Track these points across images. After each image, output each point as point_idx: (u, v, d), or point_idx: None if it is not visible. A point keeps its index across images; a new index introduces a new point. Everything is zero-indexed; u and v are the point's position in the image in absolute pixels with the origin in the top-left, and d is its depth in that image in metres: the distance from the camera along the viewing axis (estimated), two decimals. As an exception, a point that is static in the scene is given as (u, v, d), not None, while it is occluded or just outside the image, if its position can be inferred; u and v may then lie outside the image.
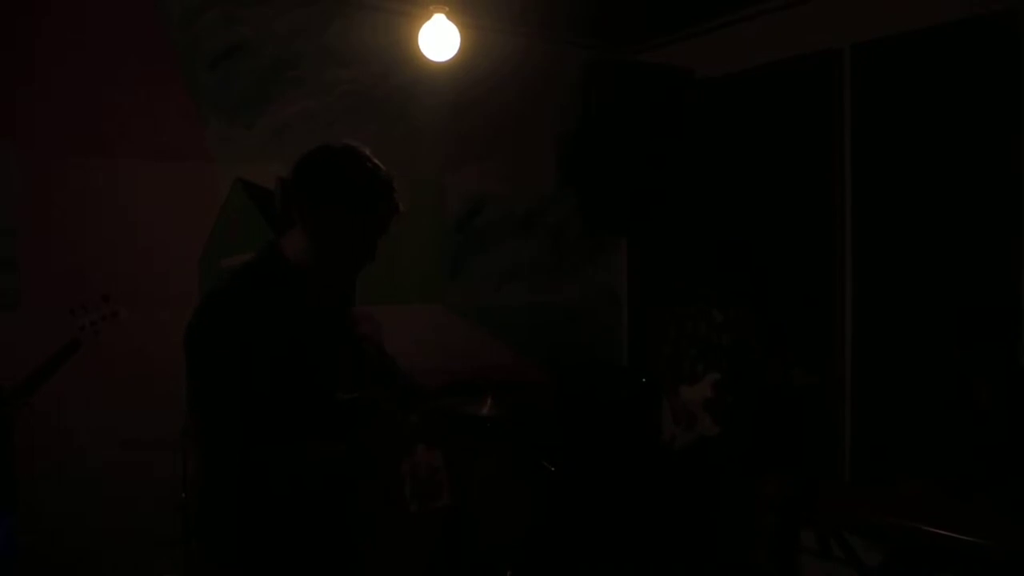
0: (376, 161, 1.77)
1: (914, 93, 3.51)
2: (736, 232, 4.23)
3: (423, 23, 3.87)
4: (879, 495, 3.10)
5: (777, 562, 3.15)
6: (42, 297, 3.22)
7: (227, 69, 3.70)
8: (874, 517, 2.79)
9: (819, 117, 3.87)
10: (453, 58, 3.97)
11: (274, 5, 3.81)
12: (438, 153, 4.36)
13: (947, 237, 3.41)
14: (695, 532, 3.58)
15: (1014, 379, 3.04)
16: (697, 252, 4.11)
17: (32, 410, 2.76)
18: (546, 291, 4.79)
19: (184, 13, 3.59)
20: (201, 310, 1.67)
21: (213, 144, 3.67)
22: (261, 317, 1.64)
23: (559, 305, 4.83)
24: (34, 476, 2.95)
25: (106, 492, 3.27)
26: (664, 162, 4.22)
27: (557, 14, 4.28)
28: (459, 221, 4.48)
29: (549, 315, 4.77)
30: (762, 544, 3.27)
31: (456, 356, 4.28)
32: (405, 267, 4.18)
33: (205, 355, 1.62)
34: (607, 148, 4.16)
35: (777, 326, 3.76)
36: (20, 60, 3.22)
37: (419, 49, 3.92)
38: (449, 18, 3.85)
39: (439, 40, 3.87)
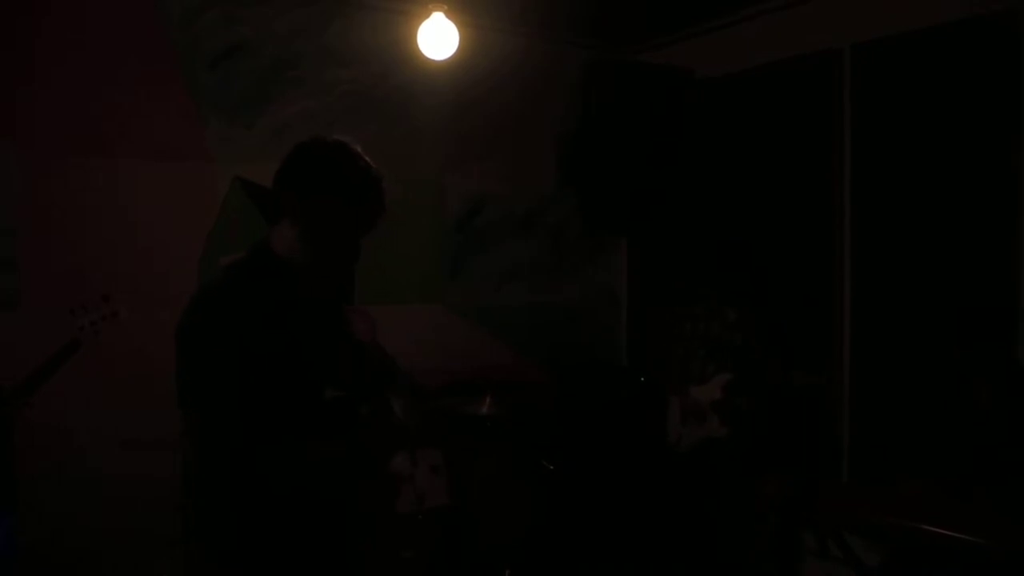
0: (367, 159, 1.77)
1: (914, 93, 3.51)
2: (736, 232, 4.23)
3: (422, 22, 3.87)
4: (879, 495, 3.10)
5: (777, 562, 3.15)
6: (42, 297, 3.22)
7: (227, 69, 3.70)
8: (874, 517, 2.79)
9: (819, 117, 3.87)
10: (453, 57, 3.97)
11: (274, 5, 3.81)
12: (438, 153, 4.36)
13: (947, 237, 3.41)
14: (695, 532, 3.58)
15: (1014, 379, 3.04)
16: (697, 252, 4.11)
17: (32, 410, 2.77)
18: (546, 291, 4.79)
19: (184, 13, 3.59)
20: (191, 305, 1.67)
21: (213, 144, 3.67)
22: (250, 311, 1.64)
23: (559, 305, 4.83)
24: (34, 476, 2.95)
25: (106, 492, 3.26)
26: (664, 162, 4.22)
27: (557, 14, 4.28)
28: (459, 221, 4.48)
29: (549, 315, 4.77)
30: (762, 544, 3.26)
31: (456, 356, 4.28)
32: (405, 267, 4.18)
33: (195, 349, 1.63)
34: (607, 148, 4.16)
35: (779, 326, 3.76)
36: (20, 60, 3.22)
37: (418, 48, 3.92)
38: (448, 17, 3.86)
39: (438, 39, 3.88)
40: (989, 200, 3.28)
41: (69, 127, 3.32)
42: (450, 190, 4.43)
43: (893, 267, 3.62)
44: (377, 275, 3.79)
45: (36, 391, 2.76)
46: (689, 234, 4.45)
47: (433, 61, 3.99)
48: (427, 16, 3.85)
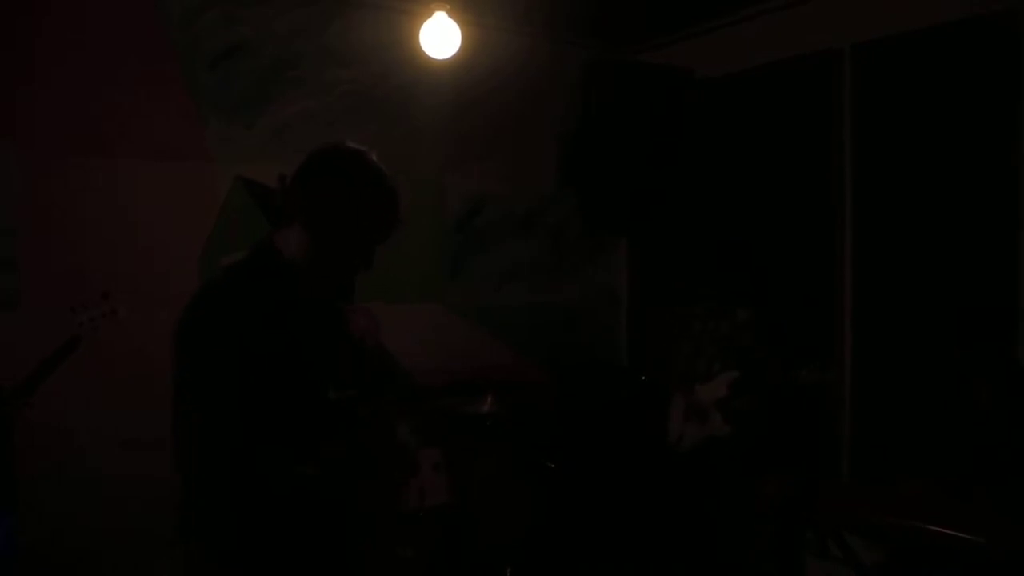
0: (384, 169, 1.76)
1: (914, 93, 3.51)
2: (736, 232, 4.23)
3: (424, 21, 3.87)
4: (879, 495, 3.10)
5: (777, 562, 3.15)
6: (42, 297, 3.22)
7: (227, 69, 3.70)
8: (874, 517, 2.79)
9: (819, 117, 3.87)
10: (454, 57, 3.97)
11: (274, 5, 3.81)
12: (438, 152, 4.36)
13: (947, 236, 3.41)
14: (695, 532, 3.58)
15: (1014, 379, 3.04)
16: (698, 252, 4.11)
17: (32, 410, 2.77)
18: (546, 291, 4.79)
19: (184, 13, 3.58)
20: (192, 304, 1.67)
21: (213, 144, 3.67)
22: (251, 311, 1.64)
23: (559, 305, 4.83)
24: (34, 476, 2.95)
25: (106, 492, 3.26)
26: (664, 162, 4.22)
27: (558, 13, 4.28)
28: (459, 221, 4.48)
29: (549, 315, 4.77)
30: (762, 544, 3.26)
31: (456, 356, 4.28)
32: (405, 267, 4.17)
33: (193, 348, 1.62)
34: (607, 148, 4.16)
35: (783, 325, 3.75)
36: (20, 60, 3.22)
37: (420, 47, 3.92)
38: (450, 16, 3.86)
39: (440, 38, 3.88)
40: (989, 200, 3.28)
41: (69, 127, 3.32)
42: (450, 190, 4.43)
43: (893, 267, 3.62)
44: (377, 275, 3.77)
45: (36, 390, 2.77)
46: (689, 234, 4.45)
47: (434, 60, 3.99)
48: (429, 15, 3.85)
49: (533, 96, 4.58)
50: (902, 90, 3.55)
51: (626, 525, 3.74)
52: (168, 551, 3.02)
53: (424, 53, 3.95)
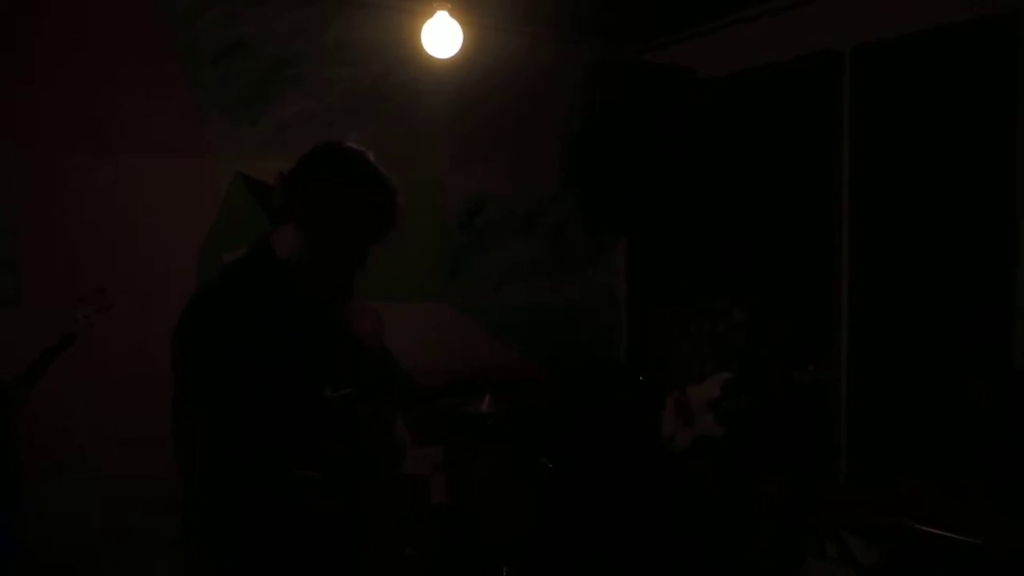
0: (382, 169, 1.76)
1: (913, 95, 3.51)
2: (736, 232, 4.22)
3: (426, 20, 3.87)
4: (878, 495, 3.10)
5: (777, 562, 3.15)
6: (42, 295, 3.22)
7: (228, 67, 3.70)
8: (874, 517, 2.79)
9: (819, 118, 3.87)
10: (456, 56, 3.97)
11: (274, 4, 3.81)
12: (440, 152, 4.35)
13: (946, 237, 3.42)
14: (692, 532, 3.58)
15: (1010, 380, 3.04)
16: (697, 252, 4.11)
17: (31, 407, 2.77)
18: (546, 291, 4.79)
19: (185, 12, 3.59)
20: (188, 306, 1.67)
21: (214, 143, 3.67)
22: (246, 312, 1.64)
23: (559, 305, 4.83)
24: (34, 476, 2.95)
25: (106, 492, 3.26)
26: (665, 161, 4.22)
27: (560, 13, 4.28)
28: (460, 220, 4.48)
29: (549, 315, 4.77)
30: (762, 544, 3.26)
31: (457, 356, 4.27)
32: (406, 266, 4.17)
33: (190, 350, 1.62)
34: (609, 147, 4.16)
35: (781, 325, 3.75)
36: (20, 60, 3.22)
37: (421, 47, 3.92)
38: (452, 15, 3.86)
39: (442, 38, 3.89)
40: (987, 200, 3.28)
41: (69, 126, 3.32)
42: (452, 189, 4.42)
43: (892, 267, 3.62)
44: (378, 274, 3.77)
45: (34, 385, 2.78)
46: (688, 233, 4.45)
47: (436, 60, 3.99)
48: (431, 15, 3.86)
49: (535, 96, 4.58)
50: (902, 92, 3.55)
51: (624, 524, 3.74)
52: (168, 551, 3.04)
53: (426, 52, 3.95)
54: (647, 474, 3.82)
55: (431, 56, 3.95)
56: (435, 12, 3.84)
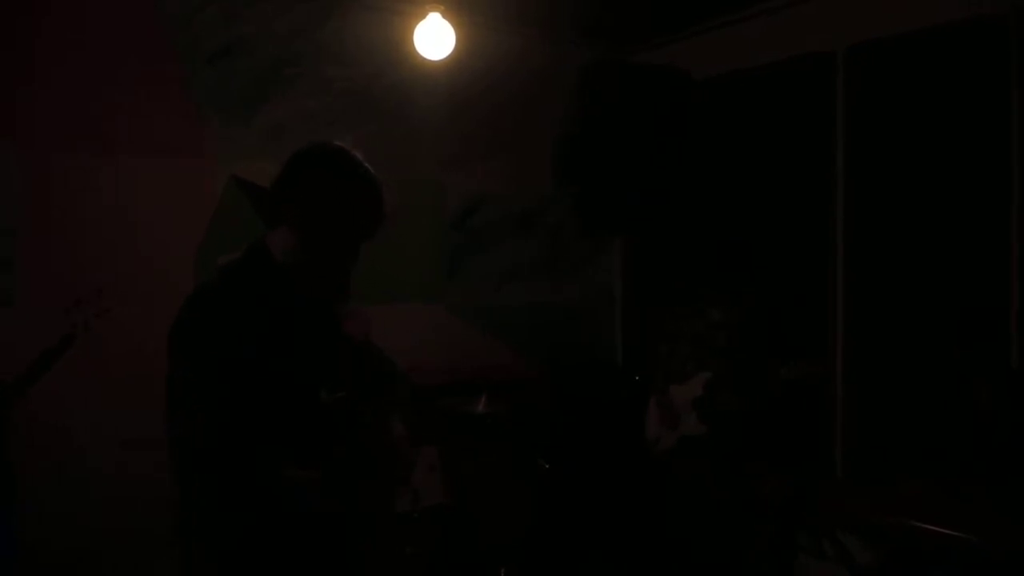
0: (367, 165, 1.77)
1: (907, 95, 3.53)
2: (732, 231, 4.22)
3: (418, 22, 3.90)
4: (877, 494, 3.10)
5: (775, 562, 3.15)
6: (40, 295, 3.22)
7: (225, 67, 3.70)
8: (873, 517, 2.79)
9: (814, 118, 3.88)
10: (454, 57, 3.99)
11: (273, 3, 3.81)
12: (438, 152, 4.36)
13: (941, 235, 3.42)
14: (691, 532, 3.58)
15: (1008, 379, 3.04)
16: (693, 251, 4.11)
17: (31, 406, 2.77)
18: (544, 291, 4.78)
19: (183, 12, 3.59)
20: (184, 307, 1.67)
21: (212, 142, 3.67)
22: (242, 313, 1.64)
23: (558, 305, 4.83)
24: (34, 476, 2.95)
25: (106, 492, 3.26)
26: (660, 162, 4.21)
27: (554, 13, 4.28)
28: (459, 221, 4.48)
29: (547, 315, 4.77)
30: (762, 544, 3.26)
31: (455, 356, 4.28)
32: (404, 266, 4.17)
33: (186, 351, 1.62)
34: (602, 148, 4.16)
35: (772, 324, 3.75)
36: (20, 60, 3.22)
37: (414, 48, 3.95)
38: (445, 16, 3.89)
39: (435, 39, 3.91)
40: (983, 199, 3.29)
41: (69, 127, 3.32)
42: (449, 189, 4.43)
43: (889, 266, 3.63)
44: (375, 275, 3.78)
45: (31, 387, 2.78)
46: (683, 233, 4.44)
47: (429, 61, 4.02)
48: (423, 16, 3.88)
49: (530, 96, 4.57)
50: (895, 92, 3.57)
51: (621, 524, 3.74)
52: (168, 551, 3.03)
53: (419, 54, 3.97)
54: (643, 473, 3.82)
55: (425, 58, 3.98)
56: (427, 14, 3.86)
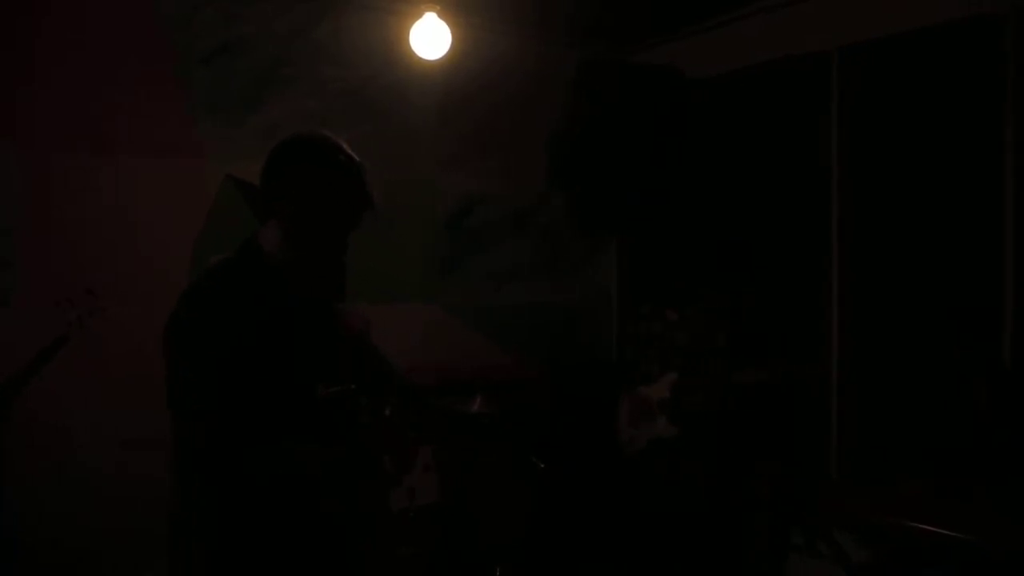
0: (350, 152, 1.77)
1: (901, 94, 3.54)
2: (724, 231, 4.22)
3: (414, 22, 3.91)
4: (874, 494, 3.10)
5: (773, 561, 3.14)
6: (37, 294, 3.22)
7: (222, 67, 3.70)
8: (873, 516, 2.80)
9: (808, 118, 3.88)
10: (450, 57, 3.99)
11: (271, 4, 3.81)
12: (435, 152, 4.36)
13: (936, 235, 3.43)
14: (689, 532, 3.57)
15: (1002, 378, 3.04)
16: (687, 251, 4.10)
17: (27, 406, 2.77)
18: (541, 291, 4.78)
19: (181, 12, 3.59)
20: (179, 305, 1.67)
21: (209, 142, 3.67)
22: (237, 310, 1.64)
23: (555, 305, 4.83)
24: (34, 476, 2.96)
25: (106, 492, 3.26)
26: (655, 162, 4.20)
27: (550, 13, 4.28)
28: (454, 221, 4.47)
29: (545, 315, 4.77)
30: (761, 544, 3.26)
31: (453, 356, 4.28)
32: (400, 266, 4.18)
33: (179, 348, 1.62)
34: (596, 149, 4.15)
35: (722, 324, 3.72)
36: (20, 60, 3.22)
37: (411, 48, 3.95)
38: (441, 17, 3.89)
39: (431, 39, 3.92)
40: (978, 199, 3.29)
41: (69, 127, 3.32)
42: (445, 190, 4.42)
43: (884, 265, 3.63)
44: (373, 275, 3.79)
45: (26, 386, 2.78)
46: (679, 232, 4.43)
47: (426, 61, 4.02)
48: (419, 16, 3.88)
49: (525, 96, 4.56)
50: (889, 92, 3.58)
51: (618, 524, 3.74)
52: (168, 551, 3.04)
53: (415, 54, 3.98)
54: (634, 473, 3.81)
55: (421, 58, 3.98)
56: (423, 14, 3.86)
